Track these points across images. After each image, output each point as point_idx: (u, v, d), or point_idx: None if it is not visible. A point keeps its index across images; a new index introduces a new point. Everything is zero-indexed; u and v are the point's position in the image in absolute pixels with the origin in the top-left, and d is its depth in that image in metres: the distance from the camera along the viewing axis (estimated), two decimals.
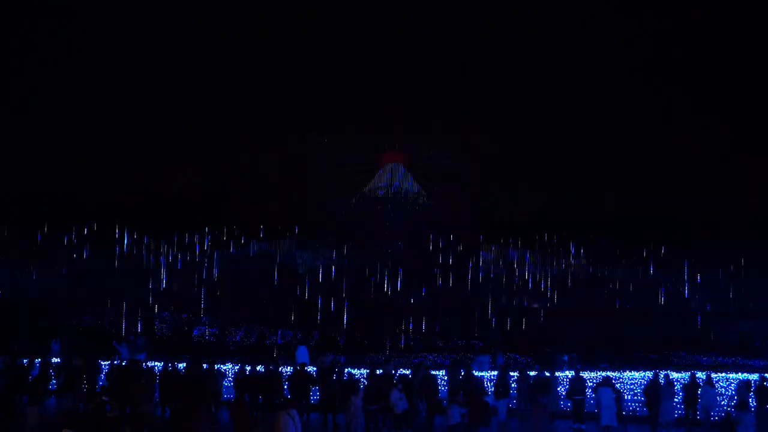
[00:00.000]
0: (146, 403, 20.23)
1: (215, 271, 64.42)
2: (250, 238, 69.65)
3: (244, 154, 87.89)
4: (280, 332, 44.53)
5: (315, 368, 25.02)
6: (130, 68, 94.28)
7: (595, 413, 22.80)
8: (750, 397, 23.28)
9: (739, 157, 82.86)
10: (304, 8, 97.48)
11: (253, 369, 24.31)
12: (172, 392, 22.08)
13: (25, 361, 24.05)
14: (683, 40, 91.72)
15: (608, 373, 24.82)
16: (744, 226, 73.07)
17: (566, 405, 24.30)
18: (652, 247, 66.07)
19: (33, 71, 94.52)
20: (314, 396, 24.21)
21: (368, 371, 24.59)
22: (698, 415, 23.57)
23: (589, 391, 23.84)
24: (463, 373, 24.03)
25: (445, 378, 24.95)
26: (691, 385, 23.72)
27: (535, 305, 54.09)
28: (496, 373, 25.36)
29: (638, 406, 24.49)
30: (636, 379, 25.75)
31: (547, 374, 24.60)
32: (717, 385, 24.33)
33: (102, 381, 24.15)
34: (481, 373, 25.52)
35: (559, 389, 24.78)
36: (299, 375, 23.39)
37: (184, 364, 25.33)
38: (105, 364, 25.40)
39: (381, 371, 24.39)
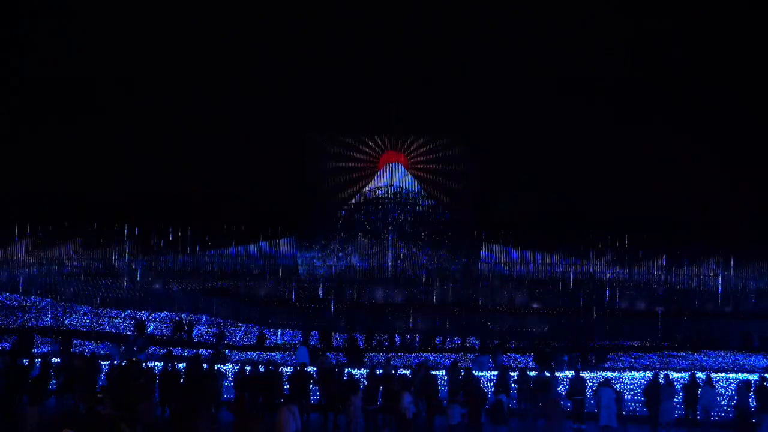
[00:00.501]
0: (146, 402, 20.24)
1: (215, 271, 64.50)
2: (250, 238, 69.77)
3: (244, 154, 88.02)
4: (280, 332, 44.46)
5: (315, 368, 25.01)
6: (130, 68, 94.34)
7: (595, 413, 22.80)
8: (750, 397, 23.27)
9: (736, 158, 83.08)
10: (304, 8, 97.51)
11: (253, 369, 24.31)
12: (172, 392, 22.07)
13: (25, 361, 24.03)
14: (683, 41, 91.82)
15: (608, 374, 24.77)
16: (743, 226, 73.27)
17: (566, 405, 24.29)
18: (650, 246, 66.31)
19: (32, 71, 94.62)
20: (314, 396, 24.20)
21: (368, 371, 24.58)
22: (698, 415, 23.57)
23: (589, 392, 23.83)
24: (463, 373, 24.05)
25: (445, 378, 24.95)
26: (691, 385, 23.72)
27: (535, 305, 54.05)
28: (496, 373, 25.35)
29: (638, 406, 24.47)
30: (636, 379, 25.76)
31: (547, 374, 24.58)
32: (717, 385, 24.32)
33: (102, 381, 24.12)
34: (481, 373, 25.52)
35: (559, 389, 24.76)
36: (299, 375, 23.39)
37: (184, 364, 25.35)
38: (105, 364, 25.38)
39: (381, 371, 24.41)
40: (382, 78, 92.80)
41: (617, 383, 24.40)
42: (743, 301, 57.43)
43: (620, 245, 68.48)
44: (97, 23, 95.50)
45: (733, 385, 24.63)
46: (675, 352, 36.99)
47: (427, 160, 70.79)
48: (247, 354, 33.29)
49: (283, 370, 24.63)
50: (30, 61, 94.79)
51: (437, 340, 40.38)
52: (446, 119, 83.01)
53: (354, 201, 69.14)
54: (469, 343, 40.62)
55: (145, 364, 25.03)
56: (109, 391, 20.33)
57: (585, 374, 25.12)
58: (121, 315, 45.49)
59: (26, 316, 43.93)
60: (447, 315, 49.58)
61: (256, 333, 41.68)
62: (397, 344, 39.32)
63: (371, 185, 69.36)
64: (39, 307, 46.44)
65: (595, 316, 50.10)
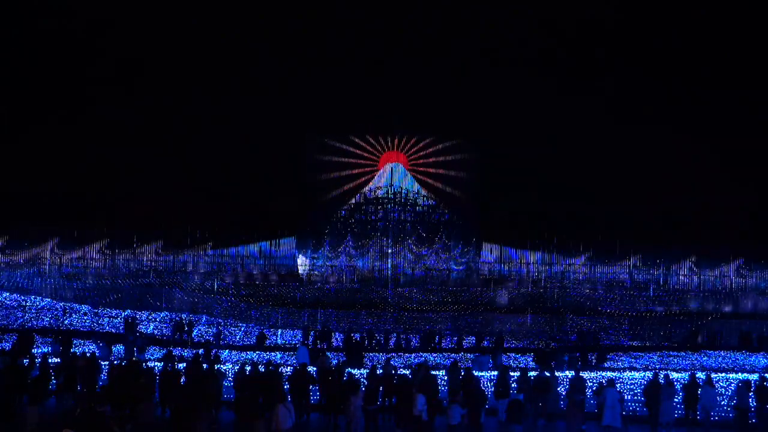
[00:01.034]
0: (146, 402, 20.23)
1: (214, 271, 64.47)
2: (250, 238, 69.76)
3: (245, 155, 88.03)
4: (280, 332, 44.48)
5: (315, 368, 25.01)
6: (130, 68, 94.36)
7: (596, 413, 22.80)
8: (750, 397, 23.27)
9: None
10: (304, 8, 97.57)
11: (253, 369, 24.31)
12: (172, 392, 22.06)
13: (25, 361, 24.03)
14: (685, 39, 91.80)
15: (608, 374, 24.72)
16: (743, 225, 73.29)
17: (566, 405, 24.27)
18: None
19: (32, 70, 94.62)
20: (314, 396, 24.21)
21: (368, 371, 24.57)
22: (698, 415, 23.56)
23: (589, 392, 23.82)
24: (463, 373, 24.04)
25: (445, 378, 24.95)
26: (691, 385, 23.71)
27: (534, 305, 54.09)
28: (496, 373, 25.34)
29: (638, 406, 24.47)
30: (636, 379, 25.75)
31: (547, 374, 24.58)
32: (717, 385, 24.31)
33: (102, 381, 24.12)
34: (481, 373, 25.51)
35: (559, 389, 24.76)
36: (299, 375, 23.38)
37: (184, 364, 25.35)
38: (105, 364, 25.39)
39: (381, 371, 24.41)
40: (382, 78, 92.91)
41: (617, 383, 24.38)
42: (743, 301, 57.51)
43: (620, 245, 68.46)
44: (97, 23, 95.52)
45: (733, 385, 24.63)
46: (675, 352, 37.06)
47: (426, 160, 70.79)
48: (247, 354, 33.33)
49: (283, 370, 24.64)
50: (29, 60, 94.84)
51: (436, 340, 40.41)
52: (446, 119, 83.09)
53: (354, 201, 69.13)
54: (468, 343, 40.67)
55: (145, 364, 25.04)
56: (109, 391, 20.29)
57: (585, 374, 25.11)
58: (120, 315, 45.51)
59: (26, 316, 43.96)
60: (447, 315, 49.66)
61: (256, 333, 41.70)
62: (392, 344, 39.33)
63: (371, 185, 69.33)
64: (39, 307, 46.47)
65: (595, 316, 50.22)
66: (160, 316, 46.86)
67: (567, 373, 26.34)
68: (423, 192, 69.10)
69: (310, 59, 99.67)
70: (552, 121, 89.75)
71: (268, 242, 69.95)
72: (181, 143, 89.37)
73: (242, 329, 45.07)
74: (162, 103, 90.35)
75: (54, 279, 55.26)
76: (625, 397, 24.02)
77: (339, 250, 67.67)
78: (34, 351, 29.47)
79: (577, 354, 33.75)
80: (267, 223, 75.52)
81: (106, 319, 44.11)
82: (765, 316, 51.47)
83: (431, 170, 70.36)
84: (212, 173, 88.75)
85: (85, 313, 45.83)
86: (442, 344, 40.15)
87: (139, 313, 47.30)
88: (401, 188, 68.40)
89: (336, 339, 40.85)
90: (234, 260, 67.93)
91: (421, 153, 70.56)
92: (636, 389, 25.00)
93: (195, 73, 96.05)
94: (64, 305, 47.08)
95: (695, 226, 78.46)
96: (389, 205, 67.37)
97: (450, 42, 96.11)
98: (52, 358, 26.06)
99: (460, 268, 66.58)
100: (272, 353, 33.47)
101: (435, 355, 34.16)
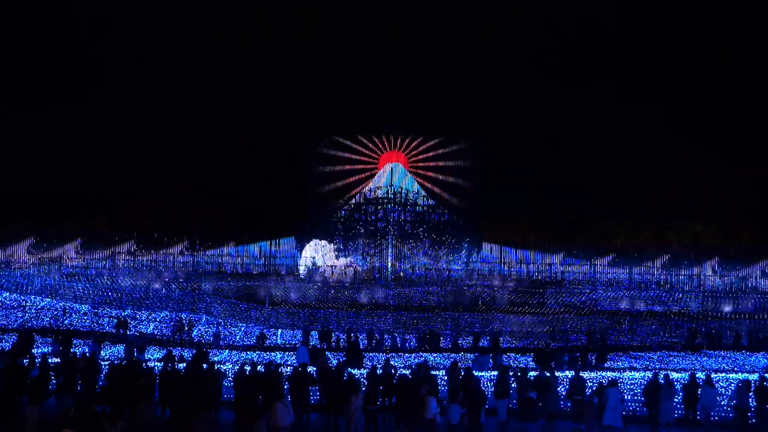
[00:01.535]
0: (146, 402, 20.23)
1: (215, 271, 64.45)
2: (250, 239, 69.73)
3: (245, 155, 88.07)
4: (280, 332, 44.48)
5: (315, 368, 25.00)
6: (130, 68, 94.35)
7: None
8: (750, 397, 23.26)
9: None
10: (304, 8, 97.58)
11: (253, 369, 24.30)
12: (172, 392, 22.05)
13: (25, 361, 24.02)
14: (685, 39, 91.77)
15: (609, 374, 24.68)
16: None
17: (566, 405, 24.28)
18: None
19: (32, 70, 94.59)
20: (314, 396, 24.20)
21: (368, 371, 24.56)
22: (698, 415, 23.55)
23: (588, 392, 23.80)
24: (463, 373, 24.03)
25: (445, 378, 24.93)
26: (691, 385, 23.70)
27: (535, 303, 54.09)
28: (496, 373, 25.32)
29: (638, 406, 24.46)
30: (636, 379, 25.74)
31: (547, 374, 24.56)
32: (717, 385, 24.30)
33: (102, 381, 24.11)
34: (481, 373, 25.49)
35: (559, 389, 24.74)
36: (299, 375, 23.37)
37: (184, 364, 25.35)
38: (105, 364, 25.37)
39: (381, 371, 24.39)
40: (382, 78, 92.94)
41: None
42: (743, 300, 57.47)
43: (620, 245, 68.46)
44: (98, 23, 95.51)
45: (733, 385, 24.60)
46: (675, 352, 37.05)
47: (426, 160, 70.78)
48: (247, 354, 33.32)
49: (283, 370, 24.63)
50: (30, 60, 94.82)
51: (436, 340, 40.39)
52: (446, 119, 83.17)
53: (354, 201, 69.11)
54: (467, 343, 40.66)
55: (145, 364, 25.04)
56: (109, 391, 20.28)
57: (585, 374, 25.10)
58: (120, 315, 45.50)
59: (26, 316, 43.93)
60: (447, 315, 49.62)
61: (256, 333, 41.69)
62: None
63: (371, 185, 69.31)
64: (39, 307, 46.44)
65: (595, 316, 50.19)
66: (160, 316, 46.84)
67: (567, 373, 26.33)
68: (423, 192, 69.07)
69: (310, 59, 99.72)
70: (552, 121, 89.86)
71: (268, 242, 69.95)
72: (181, 143, 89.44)
73: (242, 329, 45.07)
74: (162, 103, 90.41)
75: (54, 279, 55.24)
76: (625, 397, 24.02)
77: (338, 250, 67.66)
78: (34, 351, 29.44)
79: (577, 354, 33.76)
80: (267, 223, 75.54)
81: (106, 319, 44.09)
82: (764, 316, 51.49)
83: (431, 170, 70.33)
84: (212, 173, 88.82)
85: (85, 313, 45.81)
86: (441, 344, 40.15)
87: (139, 312, 47.33)
88: (401, 188, 68.38)
89: (336, 339, 40.86)
90: (234, 260, 67.92)
91: (421, 153, 70.55)
92: (636, 389, 24.98)
93: (195, 73, 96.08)
94: (64, 305, 47.07)
95: (695, 226, 78.56)
96: (389, 205, 67.33)
97: (450, 42, 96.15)
98: (52, 358, 26.04)
99: (460, 268, 66.55)
100: (272, 353, 33.45)
101: (435, 355, 34.15)
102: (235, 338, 42.49)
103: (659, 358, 35.41)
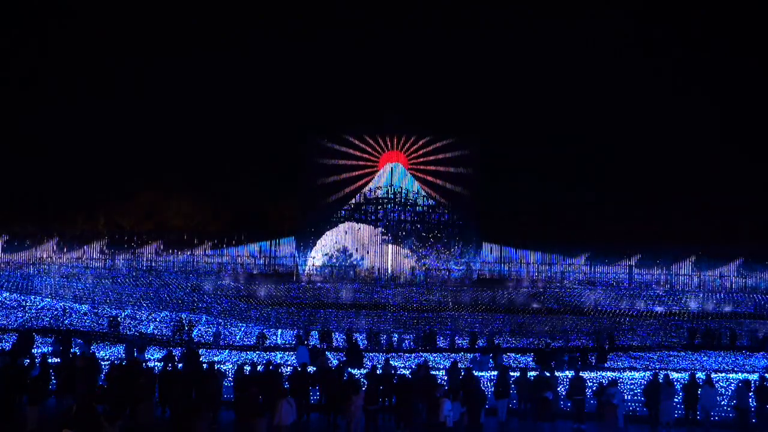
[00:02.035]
0: (146, 402, 20.23)
1: (215, 271, 64.46)
2: (250, 239, 69.75)
3: (244, 155, 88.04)
4: (280, 332, 44.47)
5: (315, 368, 25.01)
6: (130, 67, 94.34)
7: (595, 413, 22.79)
8: (750, 397, 23.27)
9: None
10: (304, 8, 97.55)
11: (253, 369, 24.32)
12: (171, 392, 22.05)
13: (25, 361, 24.02)
14: (685, 39, 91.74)
15: (609, 374, 24.66)
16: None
17: (566, 405, 24.29)
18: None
19: (32, 69, 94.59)
20: (314, 396, 24.20)
21: (368, 371, 24.57)
22: (698, 415, 23.56)
23: (589, 392, 23.81)
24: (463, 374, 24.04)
25: (445, 378, 24.94)
26: (691, 385, 23.70)
27: (535, 304, 54.08)
28: (496, 373, 25.32)
29: (638, 406, 24.46)
30: (636, 379, 25.74)
31: (547, 374, 24.57)
32: (717, 385, 24.30)
33: (102, 381, 24.10)
34: (481, 373, 25.50)
35: (559, 389, 24.75)
36: (299, 375, 23.38)
37: (183, 364, 25.36)
38: (105, 364, 25.38)
39: (381, 371, 24.41)
40: (381, 78, 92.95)
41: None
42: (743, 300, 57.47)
43: (620, 244, 68.42)
44: (98, 23, 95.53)
45: (733, 385, 24.61)
46: (675, 352, 37.06)
47: (427, 160, 70.77)
48: (247, 354, 33.32)
49: (283, 370, 24.63)
50: (29, 59, 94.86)
51: (435, 340, 40.38)
52: (446, 119, 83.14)
53: (354, 201, 69.10)
54: (464, 343, 40.65)
55: (145, 364, 25.05)
56: (109, 391, 20.29)
57: (585, 374, 25.10)
58: (120, 315, 45.50)
59: (26, 316, 43.91)
60: (447, 315, 49.63)
61: (256, 333, 41.69)
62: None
63: (371, 185, 69.29)
64: (39, 307, 46.43)
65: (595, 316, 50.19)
66: (160, 316, 46.84)
67: (567, 373, 26.33)
68: (423, 192, 69.05)
69: (310, 59, 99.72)
70: (552, 120, 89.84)
71: (268, 242, 69.98)
72: (181, 143, 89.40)
73: (242, 329, 45.07)
74: (161, 101, 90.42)
75: (54, 279, 55.23)
76: (625, 397, 24.02)
77: (338, 250, 67.66)
78: (34, 351, 29.45)
79: (577, 354, 33.77)
80: (267, 223, 75.51)
81: (106, 319, 44.08)
82: (763, 317, 51.52)
83: (431, 170, 70.30)
84: (212, 173, 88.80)
85: (84, 313, 45.80)
86: (439, 344, 40.13)
87: (139, 312, 47.32)
88: (401, 188, 68.36)
89: (336, 339, 40.86)
90: (234, 260, 67.95)
91: (421, 153, 70.53)
92: (636, 389, 24.99)
93: (195, 73, 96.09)
94: (64, 305, 47.06)
95: (695, 226, 78.50)
96: (389, 205, 67.32)
97: (450, 42, 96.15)
98: (52, 358, 26.05)
99: (460, 268, 66.54)
100: (272, 353, 33.46)
101: (435, 355, 34.15)
102: (235, 338, 42.49)
103: (659, 358, 35.42)
